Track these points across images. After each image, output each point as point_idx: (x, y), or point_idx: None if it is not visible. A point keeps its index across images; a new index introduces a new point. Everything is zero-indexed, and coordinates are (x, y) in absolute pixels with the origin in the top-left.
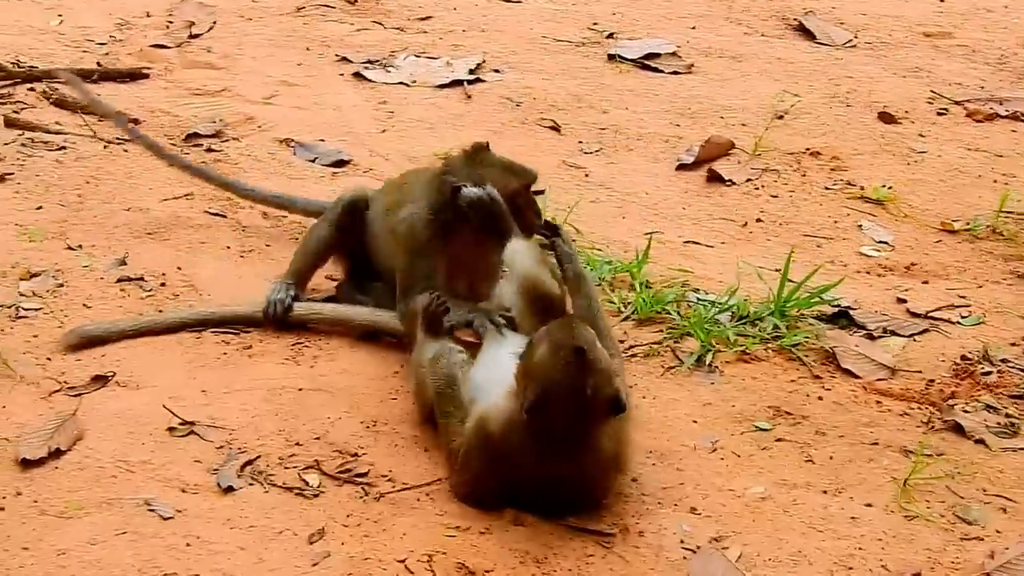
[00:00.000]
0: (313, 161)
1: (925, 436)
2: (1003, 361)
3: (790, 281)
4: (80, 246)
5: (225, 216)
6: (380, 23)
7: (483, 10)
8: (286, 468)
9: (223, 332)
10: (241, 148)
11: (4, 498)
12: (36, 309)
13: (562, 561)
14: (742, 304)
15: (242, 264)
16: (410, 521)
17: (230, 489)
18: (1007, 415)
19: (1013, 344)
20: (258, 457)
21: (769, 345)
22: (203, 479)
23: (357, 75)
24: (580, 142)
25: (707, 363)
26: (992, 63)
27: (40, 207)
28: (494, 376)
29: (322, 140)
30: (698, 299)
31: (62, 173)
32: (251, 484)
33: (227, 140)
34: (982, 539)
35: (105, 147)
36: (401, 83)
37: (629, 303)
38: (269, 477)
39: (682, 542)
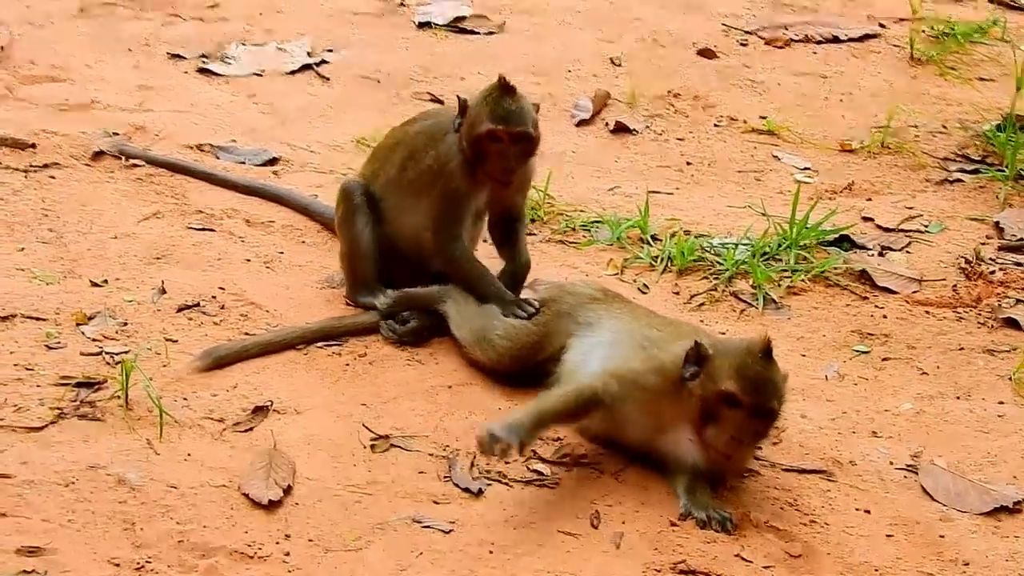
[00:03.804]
0: (243, 163)
1: (990, 335)
2: (992, 260)
3: (763, 216)
4: (105, 281)
5: (213, 230)
6: (178, 15)
7: None
8: (507, 463)
9: (331, 343)
10: None
11: (278, 543)
12: (124, 352)
13: (810, 500)
14: (759, 243)
15: (276, 274)
16: (660, 491)
17: (480, 492)
18: None
19: (983, 243)
20: (474, 457)
21: (803, 276)
22: (443, 488)
23: (203, 71)
24: None
25: (774, 301)
26: None
27: (22, 248)
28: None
29: (233, 141)
30: (721, 243)
31: (10, 210)
32: (489, 484)
33: None
34: None
35: (26, 176)
36: (253, 74)
37: (657, 256)
38: (500, 474)
39: (891, 463)
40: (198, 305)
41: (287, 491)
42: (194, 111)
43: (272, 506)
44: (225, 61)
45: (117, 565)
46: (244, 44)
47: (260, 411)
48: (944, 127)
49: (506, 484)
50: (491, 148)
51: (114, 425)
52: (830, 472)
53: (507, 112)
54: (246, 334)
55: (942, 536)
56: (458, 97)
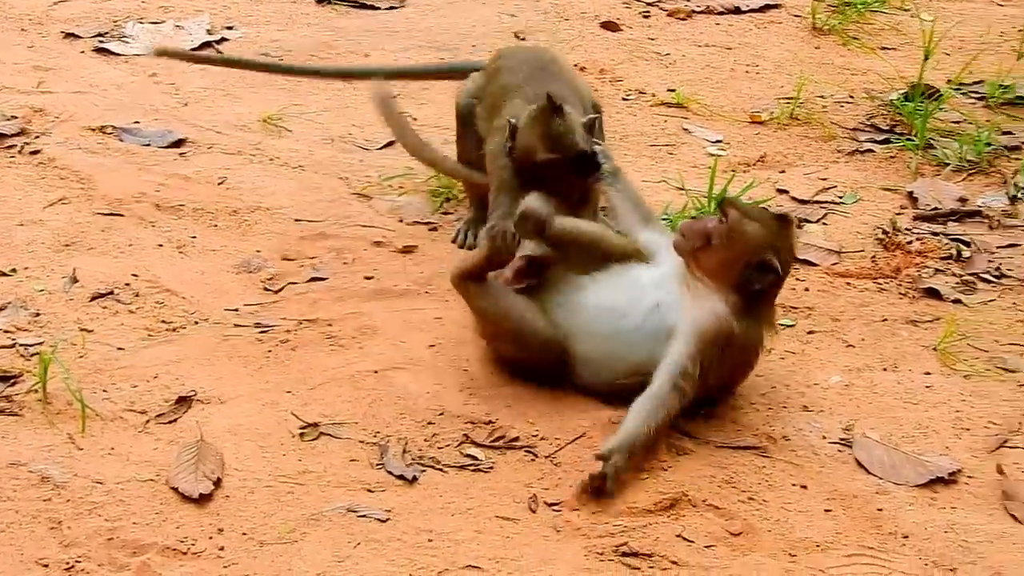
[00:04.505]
0: (147, 145)
1: (912, 305)
2: (908, 230)
3: (681, 190)
4: (14, 270)
5: (122, 215)
6: None
7: None
8: (440, 448)
9: (251, 329)
10: (62, 143)
11: (211, 538)
12: (39, 343)
13: (747, 477)
14: (679, 217)
15: (190, 260)
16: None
17: (415, 479)
18: (954, 274)
19: (899, 213)
20: (406, 443)
21: None
22: (376, 476)
23: (101, 50)
24: None
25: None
26: None
27: None
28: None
29: (136, 123)
30: None
31: None
32: (423, 470)
33: (38, 136)
34: None
35: None
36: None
37: None
38: (433, 459)
39: (824, 438)
40: (112, 293)
41: (217, 484)
42: (94, 92)
43: (202, 500)
44: (123, 40)
45: (46, 566)
46: (141, 22)
47: (183, 401)
48: (851, 97)
49: (440, 470)
50: (549, 174)
51: (33, 420)
52: (764, 448)
53: (559, 135)
54: (163, 322)
55: (880, 509)
56: (509, 121)
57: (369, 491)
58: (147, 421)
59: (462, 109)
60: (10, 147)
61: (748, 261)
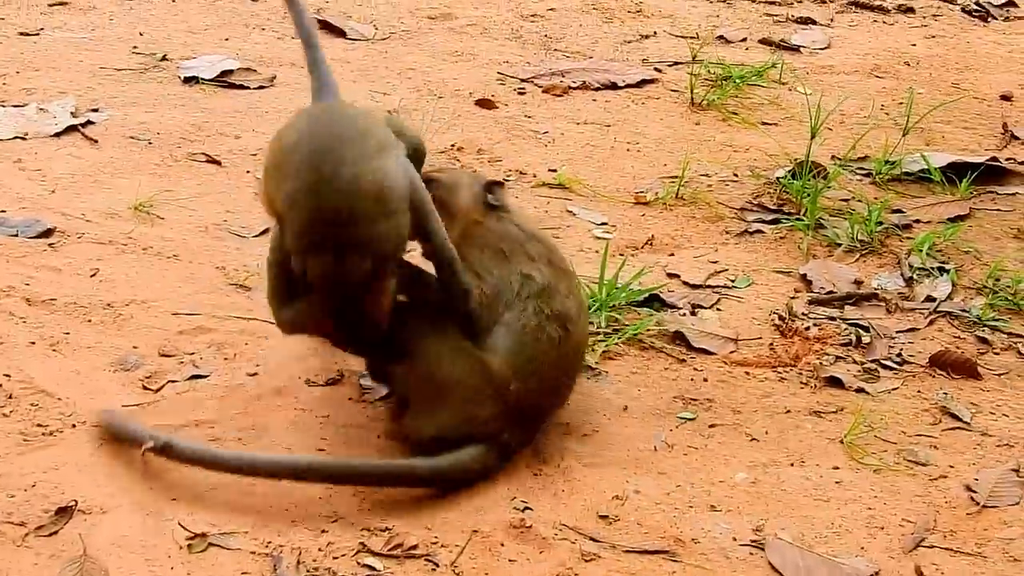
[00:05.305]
0: (15, 235)
1: (814, 395)
2: (804, 315)
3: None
4: None
5: None
6: None
7: (13, 48)
8: (335, 558)
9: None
10: None
11: None
12: None
13: None
14: None
15: (64, 358)
16: None
17: None
18: (855, 361)
19: (794, 297)
20: (300, 554)
21: (617, 340)
22: None
23: None
24: (248, 171)
25: (590, 367)
26: (512, 39)
27: None
28: None
29: (2, 212)
30: None
31: None
32: None
33: None
34: (946, 476)
35: None
36: (17, 138)
37: None
38: (329, 571)
39: (735, 539)
40: None
41: None
42: None
43: None
44: None
45: None
46: (3, 105)
47: (64, 512)
48: (735, 175)
49: None
50: None
51: None
52: (673, 552)
53: None
54: (39, 426)
55: None
56: None
57: None
58: (26, 534)
59: None
60: None
61: None
